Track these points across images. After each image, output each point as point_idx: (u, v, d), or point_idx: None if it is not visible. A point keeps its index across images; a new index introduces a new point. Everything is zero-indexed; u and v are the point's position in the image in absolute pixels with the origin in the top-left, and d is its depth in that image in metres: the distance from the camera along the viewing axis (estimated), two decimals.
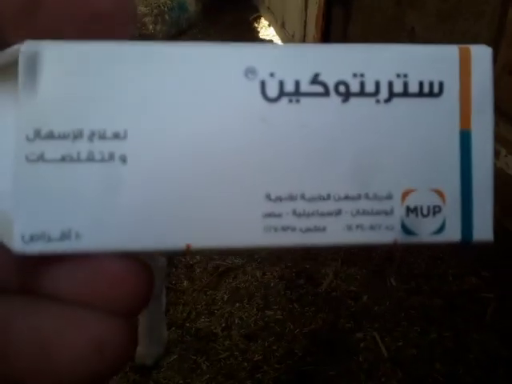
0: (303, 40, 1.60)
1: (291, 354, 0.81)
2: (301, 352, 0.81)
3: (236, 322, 0.86)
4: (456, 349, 0.79)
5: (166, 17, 1.87)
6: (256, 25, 2.08)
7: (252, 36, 1.99)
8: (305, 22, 1.58)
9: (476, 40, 0.86)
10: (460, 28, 0.90)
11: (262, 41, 1.93)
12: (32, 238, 0.12)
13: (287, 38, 1.81)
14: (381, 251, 0.96)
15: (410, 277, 0.91)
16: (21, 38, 0.12)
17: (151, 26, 1.82)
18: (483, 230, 0.14)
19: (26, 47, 0.12)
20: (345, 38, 1.38)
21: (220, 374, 0.79)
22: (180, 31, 1.93)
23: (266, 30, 2.02)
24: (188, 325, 0.86)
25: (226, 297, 0.91)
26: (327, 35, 1.44)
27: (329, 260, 0.97)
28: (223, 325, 0.86)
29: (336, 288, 0.91)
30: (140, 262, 0.13)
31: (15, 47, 0.12)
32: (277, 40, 1.90)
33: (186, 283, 0.94)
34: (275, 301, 0.90)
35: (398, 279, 0.91)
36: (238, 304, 0.89)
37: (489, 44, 0.14)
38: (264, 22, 2.07)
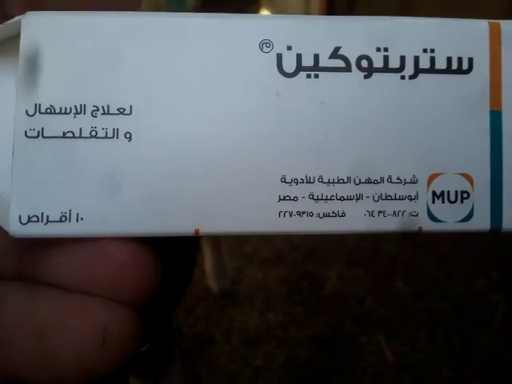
0: None
1: (294, 359, 0.79)
2: (304, 357, 0.79)
3: (236, 325, 0.84)
4: (464, 353, 0.77)
5: (169, 4, 1.85)
6: (256, 13, 2.05)
7: None
8: (307, 14, 1.55)
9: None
10: None
11: None
12: (29, 219, 0.11)
13: None
14: (386, 251, 0.94)
15: (416, 278, 0.89)
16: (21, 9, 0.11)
17: None
18: None
19: (26, 18, 0.12)
20: None
21: (220, 380, 0.77)
22: None
23: None
24: (186, 330, 0.83)
25: (225, 300, 0.89)
26: None
27: (332, 261, 0.95)
28: (223, 329, 0.84)
29: (340, 290, 0.89)
30: (145, 249, 0.12)
31: (16, 19, 0.12)
32: None
33: None
34: (277, 304, 0.88)
35: (404, 281, 0.89)
36: (238, 307, 0.87)
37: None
38: (264, 10, 2.04)
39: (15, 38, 0.12)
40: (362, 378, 0.76)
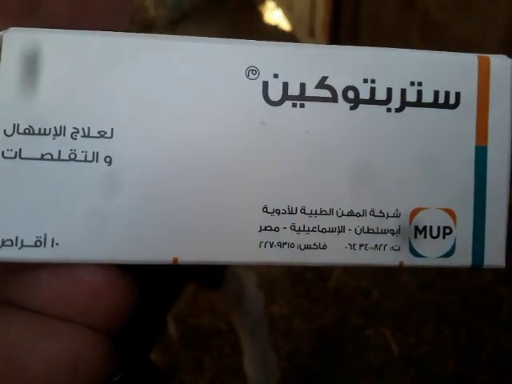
0: (312, 23, 1.56)
1: (298, 352, 0.79)
2: (308, 349, 0.79)
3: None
4: (470, 346, 0.77)
5: (169, 0, 1.84)
6: (262, 8, 2.03)
7: (257, 20, 1.95)
8: (314, 4, 1.54)
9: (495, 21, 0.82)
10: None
11: (268, 25, 1.89)
12: (3, 243, 0.11)
13: (294, 21, 1.77)
14: None
15: (422, 271, 0.88)
16: (4, 14, 0.11)
17: (152, 10, 1.79)
18: (495, 255, 0.13)
19: (8, 34, 0.11)
20: (355, 21, 1.34)
21: (224, 370, 0.77)
22: (183, 15, 1.89)
23: (272, 13, 1.97)
24: (191, 321, 0.83)
25: None
26: (337, 18, 1.40)
27: None
28: (228, 320, 0.83)
29: (345, 283, 0.88)
30: (121, 274, 0.12)
31: None
32: (283, 24, 1.85)
33: None
34: (281, 296, 0.87)
35: (410, 274, 0.88)
36: None
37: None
38: (270, 4, 2.03)
39: None
40: (367, 370, 0.76)
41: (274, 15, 1.96)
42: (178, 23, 1.83)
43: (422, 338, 0.79)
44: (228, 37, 0.13)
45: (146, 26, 1.73)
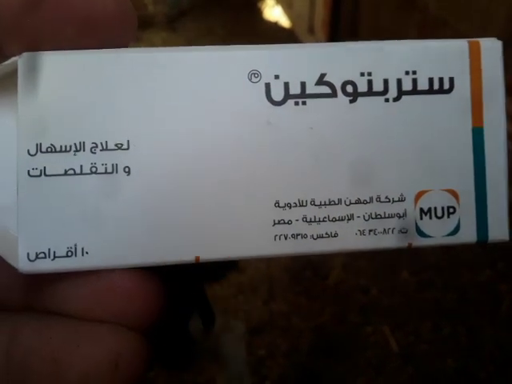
0: (311, 20, 1.55)
1: (297, 349, 0.79)
2: (307, 347, 0.79)
3: (239, 315, 0.84)
4: (469, 344, 0.77)
5: None
6: (261, 5, 2.02)
7: (257, 17, 1.94)
8: (313, 1, 1.53)
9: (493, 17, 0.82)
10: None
11: (267, 22, 1.88)
12: (37, 256, 0.12)
13: (294, 18, 1.77)
14: None
15: (421, 269, 0.88)
16: (19, 40, 0.12)
17: (151, 7, 1.79)
18: (499, 229, 0.13)
19: (24, 59, 0.12)
20: (355, 18, 1.34)
21: (223, 369, 0.76)
22: (182, 12, 1.88)
23: (271, 10, 1.97)
24: None
25: (228, 289, 0.88)
26: (336, 15, 1.39)
27: None
28: (227, 318, 0.83)
29: (344, 280, 0.88)
30: (149, 275, 0.13)
31: (13, 59, 0.12)
32: (283, 21, 1.85)
33: None
34: (280, 293, 0.87)
35: (409, 271, 0.88)
36: (241, 296, 0.87)
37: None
38: (270, 1, 2.02)
39: (12, 75, 0.12)
40: (366, 368, 0.75)
41: (273, 12, 1.95)
42: (176, 20, 1.83)
43: (421, 335, 0.79)
44: (227, 33, 0.12)
45: (145, 22, 1.72)
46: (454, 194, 0.13)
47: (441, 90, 0.13)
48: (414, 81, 0.13)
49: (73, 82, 0.12)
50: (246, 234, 0.13)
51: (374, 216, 0.13)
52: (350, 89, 0.13)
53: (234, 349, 0.64)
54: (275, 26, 1.84)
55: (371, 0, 1.31)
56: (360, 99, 0.13)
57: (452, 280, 0.86)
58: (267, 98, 0.13)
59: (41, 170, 0.12)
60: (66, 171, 0.12)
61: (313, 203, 0.13)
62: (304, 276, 0.90)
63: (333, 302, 0.85)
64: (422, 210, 0.13)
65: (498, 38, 0.14)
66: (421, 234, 0.13)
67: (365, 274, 0.89)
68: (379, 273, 0.89)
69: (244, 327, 0.79)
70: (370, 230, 0.13)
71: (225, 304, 0.86)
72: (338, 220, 0.13)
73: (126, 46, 0.13)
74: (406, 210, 0.13)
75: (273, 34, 1.74)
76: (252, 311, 0.84)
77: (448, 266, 0.88)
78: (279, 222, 0.13)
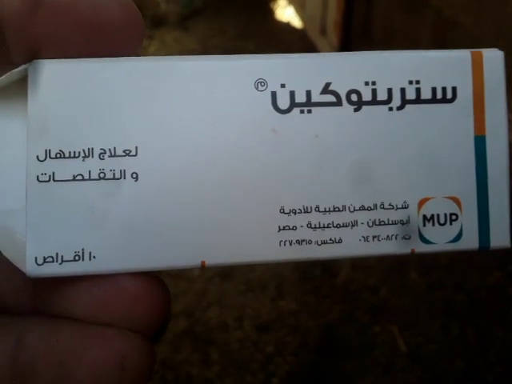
0: (324, 21, 1.55)
1: (305, 347, 0.79)
2: (315, 345, 0.79)
3: (248, 312, 0.84)
4: (477, 345, 0.76)
5: None
6: (273, 5, 2.02)
7: (269, 17, 1.94)
8: (326, 2, 1.53)
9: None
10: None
11: (279, 22, 1.89)
12: (45, 260, 0.12)
13: (306, 19, 1.77)
14: None
15: (431, 270, 0.88)
16: (24, 44, 0.12)
17: (164, 6, 1.79)
18: (500, 236, 0.14)
19: (33, 66, 0.12)
20: (367, 19, 1.33)
21: (231, 365, 0.77)
22: (194, 11, 1.89)
23: (283, 10, 1.97)
24: (199, 314, 0.84)
25: (238, 286, 0.89)
26: (349, 16, 1.39)
27: None
28: (235, 315, 0.84)
29: (353, 280, 0.88)
30: (155, 279, 0.13)
31: (23, 66, 0.12)
32: (295, 21, 1.85)
33: (196, 271, 0.92)
34: (289, 291, 0.87)
35: (419, 272, 0.87)
36: (250, 294, 0.87)
37: None
38: (282, 2, 2.02)
39: (22, 82, 0.12)
40: (374, 367, 0.75)
41: (285, 12, 1.95)
42: (189, 19, 1.83)
43: (429, 336, 0.78)
44: (239, 33, 0.13)
45: (157, 21, 1.73)
46: (457, 201, 0.14)
47: (444, 100, 0.14)
48: (418, 90, 0.13)
49: (81, 90, 0.12)
50: (252, 240, 0.13)
51: (377, 222, 0.13)
52: (354, 97, 0.13)
53: None
54: (287, 26, 1.84)
55: (384, 1, 1.31)
56: (364, 108, 0.13)
57: (461, 281, 0.86)
58: (273, 106, 0.13)
59: (49, 176, 0.12)
60: (74, 177, 0.12)
61: (317, 209, 0.13)
62: (313, 274, 0.90)
63: (341, 300, 0.85)
64: (424, 216, 0.13)
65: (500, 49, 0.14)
66: (424, 240, 0.13)
67: (374, 273, 0.89)
68: (388, 273, 0.88)
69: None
70: (374, 237, 0.13)
71: (234, 301, 0.86)
72: (342, 226, 0.13)
73: (134, 53, 0.13)
74: (409, 216, 0.13)
75: (285, 35, 1.74)
76: (261, 308, 0.85)
77: (457, 268, 0.88)
78: (284, 228, 0.13)
